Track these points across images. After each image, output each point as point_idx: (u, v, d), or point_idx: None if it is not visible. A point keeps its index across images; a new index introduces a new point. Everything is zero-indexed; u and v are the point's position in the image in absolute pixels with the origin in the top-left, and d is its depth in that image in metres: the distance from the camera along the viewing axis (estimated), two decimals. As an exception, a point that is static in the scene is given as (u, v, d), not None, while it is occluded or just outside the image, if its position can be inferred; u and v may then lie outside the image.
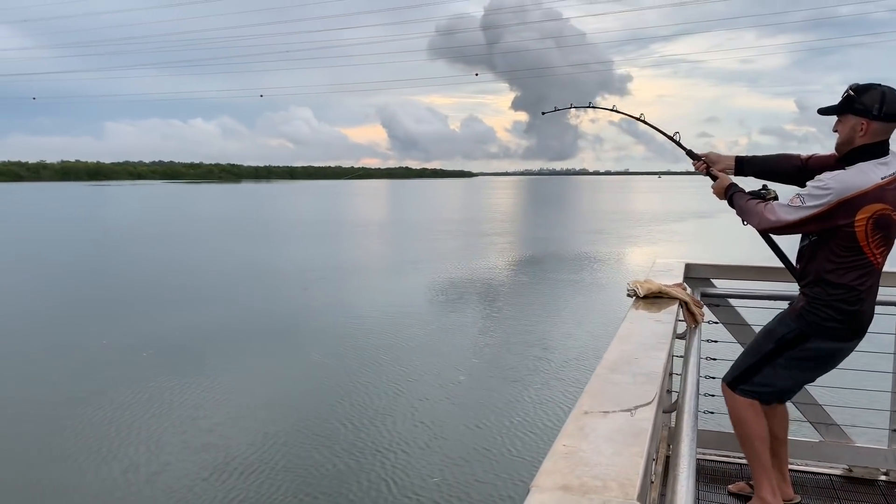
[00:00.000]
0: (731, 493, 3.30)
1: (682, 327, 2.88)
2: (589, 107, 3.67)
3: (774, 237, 3.01)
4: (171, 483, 6.83)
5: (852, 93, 2.66)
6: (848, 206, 2.57)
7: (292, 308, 15.87)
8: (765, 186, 2.91)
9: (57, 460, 7.43)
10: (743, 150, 2.87)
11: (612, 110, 3.50)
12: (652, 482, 1.31)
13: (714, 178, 3.15)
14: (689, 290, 2.94)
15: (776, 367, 2.86)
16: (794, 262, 2.98)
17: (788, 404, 3.38)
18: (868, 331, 3.17)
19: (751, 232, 2.94)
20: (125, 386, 9.82)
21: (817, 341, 2.78)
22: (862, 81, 2.69)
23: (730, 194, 3.02)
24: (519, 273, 22.05)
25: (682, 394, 2.04)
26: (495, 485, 6.75)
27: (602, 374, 1.65)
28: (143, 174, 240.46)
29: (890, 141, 2.71)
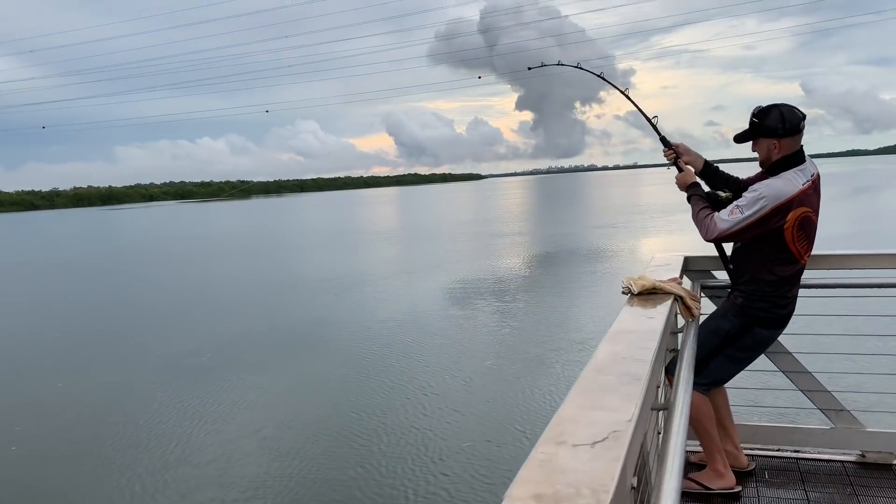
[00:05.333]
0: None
1: (681, 321, 2.90)
2: (577, 67, 3.95)
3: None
4: (205, 484, 7.07)
5: (755, 119, 3.02)
6: (780, 211, 2.92)
7: (318, 316, 16.26)
8: (724, 189, 3.22)
9: (95, 465, 7.85)
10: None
11: (598, 76, 3.73)
12: (636, 483, 1.30)
13: (680, 168, 3.39)
14: (686, 283, 2.95)
15: (723, 359, 3.16)
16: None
17: (799, 394, 3.48)
18: (873, 313, 3.37)
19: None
20: (154, 397, 10.25)
21: (757, 330, 3.14)
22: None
23: (690, 194, 3.30)
24: (534, 269, 22.33)
25: (675, 389, 2.02)
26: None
27: (589, 375, 1.65)
28: (156, 196, 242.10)
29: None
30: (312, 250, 33.39)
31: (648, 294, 2.62)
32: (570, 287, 18.13)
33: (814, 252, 3.29)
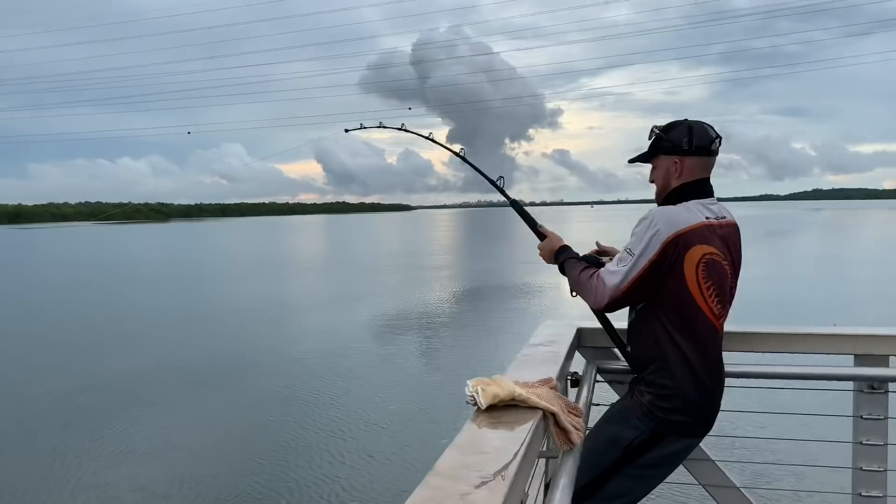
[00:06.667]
0: None
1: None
2: (401, 129, 3.22)
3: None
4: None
5: (658, 131, 2.38)
6: (678, 244, 2.15)
7: (227, 350, 15.01)
8: (601, 254, 2.60)
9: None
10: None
11: (400, 128, 3.13)
12: None
13: (541, 235, 2.71)
14: (579, 362, 2.08)
15: (625, 479, 2.28)
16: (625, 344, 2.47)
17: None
18: (819, 411, 2.61)
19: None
20: (54, 433, 9.15)
21: (672, 440, 2.26)
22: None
23: (561, 260, 2.56)
24: (460, 304, 21.64)
25: None
26: None
27: None
28: (68, 215, 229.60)
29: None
30: (228, 279, 31.55)
31: (505, 407, 1.68)
32: (495, 323, 17.61)
33: (743, 329, 2.51)
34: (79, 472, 7.82)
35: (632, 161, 2.51)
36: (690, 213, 2.23)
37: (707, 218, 2.24)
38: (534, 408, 1.66)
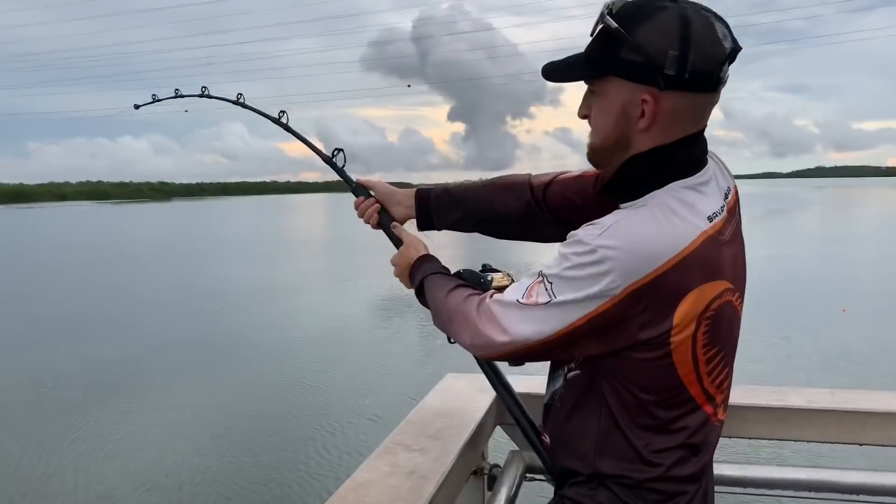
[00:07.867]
0: None
1: None
2: (203, 95, 2.18)
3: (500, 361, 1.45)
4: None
5: (616, 26, 1.06)
6: (653, 296, 1.05)
7: (227, 329, 14.60)
8: (487, 267, 1.49)
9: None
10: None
11: (202, 95, 2.16)
12: None
13: (396, 240, 1.63)
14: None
15: None
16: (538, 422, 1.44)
17: None
18: None
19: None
20: (43, 418, 8.72)
21: None
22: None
23: (419, 279, 1.47)
24: None
25: None
26: None
27: None
28: (69, 195, 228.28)
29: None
30: (227, 259, 30.81)
31: None
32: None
33: (761, 402, 1.61)
34: (50, 469, 7.12)
35: (551, 76, 1.23)
36: (679, 223, 1.09)
37: (711, 218, 1.12)
38: None
